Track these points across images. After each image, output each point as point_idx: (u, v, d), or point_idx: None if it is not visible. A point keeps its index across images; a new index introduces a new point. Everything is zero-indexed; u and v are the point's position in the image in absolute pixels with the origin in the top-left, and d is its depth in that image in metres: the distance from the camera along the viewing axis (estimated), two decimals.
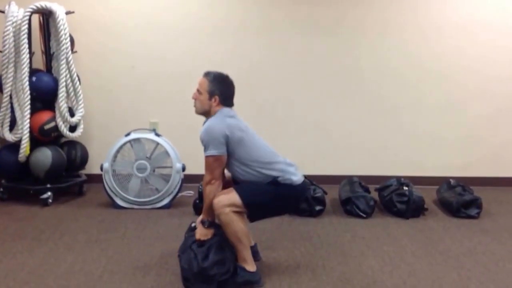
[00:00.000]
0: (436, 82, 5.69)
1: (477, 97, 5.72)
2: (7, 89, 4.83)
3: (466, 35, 5.62)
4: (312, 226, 4.41)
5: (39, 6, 4.80)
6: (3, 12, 4.85)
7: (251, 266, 3.20)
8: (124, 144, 4.89)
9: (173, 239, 4.02)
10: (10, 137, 4.92)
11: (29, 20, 4.80)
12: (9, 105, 4.90)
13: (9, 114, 4.92)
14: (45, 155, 4.86)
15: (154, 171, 4.91)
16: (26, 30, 4.76)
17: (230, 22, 5.63)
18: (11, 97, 4.88)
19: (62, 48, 4.91)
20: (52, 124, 4.94)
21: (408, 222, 4.54)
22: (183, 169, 4.88)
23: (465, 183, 5.10)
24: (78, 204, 5.04)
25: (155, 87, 5.68)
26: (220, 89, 3.25)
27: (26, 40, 4.76)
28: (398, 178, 4.99)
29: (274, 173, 3.21)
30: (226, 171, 3.37)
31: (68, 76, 4.97)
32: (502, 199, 5.33)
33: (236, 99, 3.35)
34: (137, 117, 5.62)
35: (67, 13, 5.05)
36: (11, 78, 4.82)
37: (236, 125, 3.21)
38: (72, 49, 5.07)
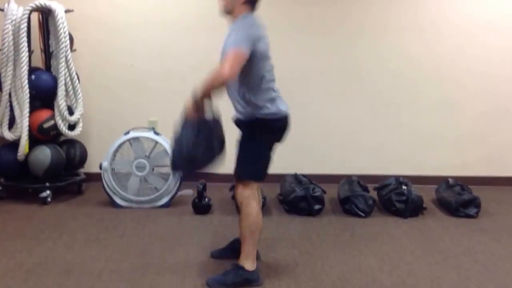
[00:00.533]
0: (435, 82, 5.69)
1: (476, 96, 5.72)
2: (6, 87, 4.82)
3: (465, 35, 5.62)
4: (311, 225, 4.41)
5: (38, 4, 4.79)
6: (2, 10, 4.84)
7: (251, 265, 3.21)
8: (123, 142, 4.88)
9: (172, 238, 4.03)
10: (9, 135, 4.92)
11: (29, 18, 4.79)
12: (8, 104, 4.89)
13: (8, 113, 4.91)
14: (44, 154, 4.85)
15: (153, 170, 4.90)
16: (26, 28, 4.75)
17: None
18: (10, 96, 4.87)
19: (61, 46, 4.90)
20: (51, 122, 4.94)
21: (407, 222, 4.54)
22: None
23: (464, 182, 5.10)
24: (77, 203, 5.04)
25: (154, 85, 5.67)
26: None
27: (25, 39, 4.76)
28: (397, 178, 4.99)
29: (267, 110, 3.18)
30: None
31: (67, 74, 4.97)
32: (501, 198, 5.33)
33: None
34: (137, 115, 5.62)
35: (67, 11, 5.04)
36: (10, 76, 4.81)
37: (263, 35, 3.18)
38: (71, 48, 5.07)
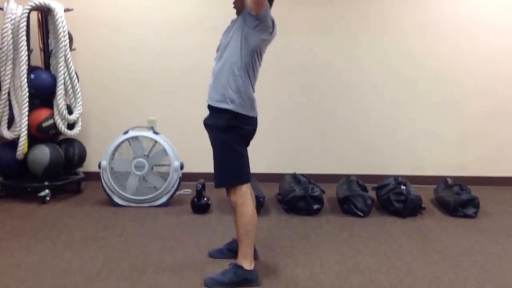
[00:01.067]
0: (434, 81, 5.69)
1: (475, 96, 5.72)
2: (5, 86, 4.82)
3: (466, 35, 5.62)
4: (309, 225, 4.42)
5: (37, 3, 4.79)
6: (1, 9, 4.84)
7: (249, 265, 3.20)
8: (122, 142, 4.89)
9: (171, 238, 4.03)
10: (8, 134, 4.92)
11: (28, 17, 4.79)
12: (7, 103, 4.89)
13: (7, 112, 4.92)
14: (43, 153, 4.85)
15: (152, 169, 4.91)
16: (25, 27, 4.76)
17: (230, 19, 5.60)
18: (9, 95, 4.87)
19: (61, 45, 4.90)
20: (50, 121, 4.94)
21: (405, 221, 4.55)
22: (181, 167, 4.88)
23: (462, 182, 5.10)
24: (76, 202, 5.04)
25: (153, 84, 5.68)
26: None
27: (24, 37, 4.76)
28: (395, 177, 4.98)
29: (240, 99, 3.15)
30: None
31: (66, 73, 4.97)
32: (500, 198, 5.34)
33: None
34: (136, 114, 5.62)
35: (66, 10, 5.04)
36: (9, 75, 4.81)
37: (271, 34, 3.27)
38: (70, 47, 5.07)
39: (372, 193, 4.92)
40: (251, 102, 3.21)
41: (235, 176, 3.18)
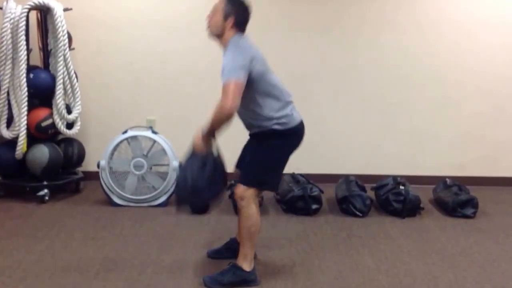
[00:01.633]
0: (433, 81, 5.69)
1: (474, 96, 5.72)
2: (4, 86, 4.82)
3: (464, 33, 5.62)
4: (308, 225, 4.42)
5: (37, 2, 4.78)
6: (0, 8, 4.84)
7: (248, 266, 3.20)
8: (121, 141, 4.88)
9: (169, 237, 4.03)
10: (7, 134, 4.92)
11: (27, 16, 4.78)
12: (6, 102, 4.89)
13: (6, 111, 4.92)
14: (42, 152, 4.85)
15: (151, 169, 4.90)
16: (24, 27, 4.75)
17: None
18: (8, 94, 4.87)
19: (60, 45, 4.90)
20: (49, 121, 4.94)
21: (404, 221, 4.55)
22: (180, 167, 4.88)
23: (461, 182, 5.10)
24: (74, 201, 5.04)
25: (152, 84, 5.67)
26: (237, 11, 3.17)
27: (23, 37, 4.75)
28: (394, 177, 4.99)
29: (279, 116, 3.18)
30: None
31: (65, 73, 4.96)
32: (498, 198, 5.34)
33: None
34: (135, 114, 5.62)
35: (65, 9, 5.04)
36: (8, 75, 4.81)
37: (258, 56, 3.14)
38: (69, 46, 5.07)
39: (371, 193, 4.92)
40: (285, 113, 3.23)
41: (265, 180, 3.20)
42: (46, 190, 4.90)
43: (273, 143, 3.20)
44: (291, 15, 5.60)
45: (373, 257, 3.72)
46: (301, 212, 4.66)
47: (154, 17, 5.57)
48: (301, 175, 5.03)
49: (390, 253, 3.80)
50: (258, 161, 3.20)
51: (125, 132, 4.90)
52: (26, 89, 4.76)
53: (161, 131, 5.03)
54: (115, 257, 3.64)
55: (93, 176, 5.16)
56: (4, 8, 4.78)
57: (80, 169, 5.45)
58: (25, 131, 4.81)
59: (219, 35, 3.20)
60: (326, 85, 5.73)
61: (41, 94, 4.95)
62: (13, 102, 4.87)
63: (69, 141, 5.26)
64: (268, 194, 4.99)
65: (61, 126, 4.99)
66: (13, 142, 4.87)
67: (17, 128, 4.84)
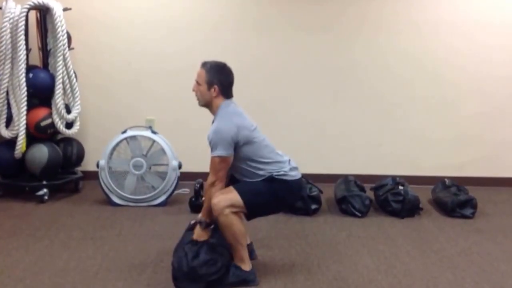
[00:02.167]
0: (432, 81, 5.70)
1: (473, 96, 5.73)
2: (3, 85, 4.82)
3: (462, 34, 5.63)
4: (307, 225, 4.42)
5: (36, 2, 4.78)
6: (0, 8, 4.84)
7: (247, 266, 3.21)
8: (120, 141, 4.89)
9: (169, 237, 4.02)
10: (6, 133, 4.91)
11: (26, 16, 4.78)
12: (6, 102, 4.89)
13: (6, 111, 4.92)
14: (41, 152, 4.85)
15: (150, 168, 4.91)
16: (23, 27, 4.76)
17: (227, 19, 5.63)
18: (7, 94, 4.87)
19: (59, 44, 4.90)
20: (49, 120, 4.94)
21: (403, 222, 4.55)
22: (179, 166, 4.88)
23: (460, 183, 5.11)
24: (74, 201, 5.04)
25: (152, 84, 5.68)
26: (219, 79, 3.22)
27: (23, 37, 4.75)
28: (393, 178, 5.00)
29: (271, 170, 3.21)
30: None
31: (64, 72, 4.97)
32: (497, 199, 5.35)
33: (233, 96, 3.35)
34: (134, 114, 5.62)
35: (64, 9, 5.04)
36: (7, 75, 4.81)
37: (243, 124, 3.18)
38: (69, 46, 5.07)
39: (370, 193, 4.92)
40: (282, 171, 3.24)
41: (255, 202, 3.18)
42: (45, 190, 4.89)
43: (274, 185, 3.21)
44: (291, 15, 5.61)
45: (372, 257, 3.72)
46: (301, 212, 4.65)
47: (153, 17, 5.57)
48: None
49: (389, 253, 3.81)
50: (258, 188, 3.20)
51: (125, 132, 4.90)
52: (25, 88, 4.76)
53: (161, 131, 5.03)
54: (114, 257, 3.64)
55: (93, 176, 5.16)
56: (3, 7, 4.78)
57: (79, 168, 5.45)
58: (24, 131, 4.81)
59: (207, 104, 3.28)
60: (325, 85, 5.73)
61: (40, 93, 4.95)
62: (12, 101, 4.87)
63: (68, 140, 5.26)
64: None
65: (60, 126, 4.99)
66: (12, 141, 4.87)
67: (16, 128, 4.84)
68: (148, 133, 4.91)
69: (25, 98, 4.78)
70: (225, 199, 3.07)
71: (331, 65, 5.69)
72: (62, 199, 5.05)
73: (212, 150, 3.11)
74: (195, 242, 3.15)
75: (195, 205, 4.68)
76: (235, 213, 3.10)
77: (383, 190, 4.86)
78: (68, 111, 5.08)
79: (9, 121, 4.94)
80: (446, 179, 5.16)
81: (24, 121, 4.81)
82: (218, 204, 3.04)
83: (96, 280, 3.27)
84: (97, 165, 4.85)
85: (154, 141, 4.90)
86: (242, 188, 3.17)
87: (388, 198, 4.73)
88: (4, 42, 4.73)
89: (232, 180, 3.35)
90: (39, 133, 4.94)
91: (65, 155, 5.13)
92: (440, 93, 5.73)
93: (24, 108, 4.79)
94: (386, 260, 3.66)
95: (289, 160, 3.35)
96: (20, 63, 4.75)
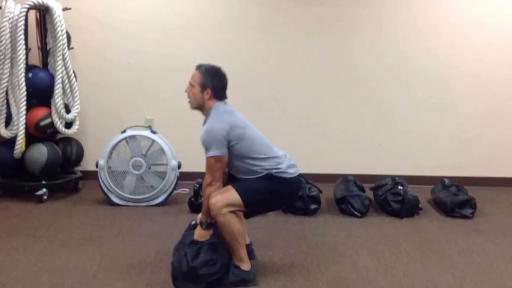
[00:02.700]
0: (431, 81, 5.70)
1: (472, 96, 5.72)
2: (3, 85, 4.81)
3: (461, 35, 5.62)
4: (307, 225, 4.42)
5: (36, 2, 4.78)
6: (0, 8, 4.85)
7: (246, 265, 3.22)
8: (120, 141, 4.89)
9: (168, 237, 4.02)
10: (5, 133, 4.91)
11: (26, 16, 4.78)
12: (5, 101, 4.89)
13: (5, 110, 4.91)
14: (41, 152, 4.85)
15: (149, 168, 4.90)
16: (23, 26, 4.75)
17: (227, 19, 5.63)
18: (7, 93, 4.87)
19: (59, 44, 4.90)
20: (48, 120, 4.94)
21: (402, 222, 4.55)
22: (179, 166, 4.88)
23: (459, 183, 5.11)
24: (73, 200, 5.03)
25: (151, 83, 5.67)
26: (212, 82, 3.23)
27: (22, 36, 4.75)
28: (393, 177, 4.99)
29: (268, 166, 3.21)
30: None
31: (64, 72, 4.96)
32: (497, 199, 5.34)
33: (232, 96, 3.35)
34: (133, 114, 5.61)
35: (64, 9, 5.04)
36: (7, 74, 4.80)
37: (235, 122, 3.20)
38: (68, 46, 5.07)
39: (369, 193, 4.92)
40: (275, 167, 3.24)
41: (255, 200, 3.18)
42: (44, 190, 4.89)
43: (272, 182, 3.22)
44: (290, 15, 5.60)
45: (371, 257, 3.72)
46: (300, 212, 4.66)
47: (153, 16, 5.57)
48: (299, 174, 5.02)
49: (388, 253, 3.81)
50: (256, 186, 3.20)
51: (124, 131, 4.90)
52: (24, 88, 4.76)
53: (160, 131, 5.03)
54: (114, 257, 3.64)
55: (92, 176, 5.16)
56: (3, 7, 4.78)
57: (78, 168, 5.45)
58: (23, 131, 4.80)
59: (200, 107, 3.29)
60: (325, 85, 5.72)
61: (40, 93, 4.94)
62: (11, 101, 4.87)
63: (68, 140, 5.26)
64: None
65: (60, 126, 4.99)
66: (12, 141, 4.86)
67: (15, 128, 4.84)
68: (147, 133, 4.91)
69: (25, 98, 4.77)
70: (223, 198, 3.07)
71: (331, 65, 5.68)
72: (61, 199, 5.04)
73: (206, 151, 3.13)
74: (196, 242, 3.15)
75: (195, 205, 4.68)
76: (233, 212, 3.10)
77: (382, 190, 4.86)
78: (68, 110, 5.07)
79: (8, 120, 4.93)
80: (445, 179, 5.15)
81: (24, 121, 4.80)
82: (216, 204, 3.05)
83: (95, 280, 3.27)
84: (97, 165, 4.85)
85: (153, 140, 4.90)
86: (240, 186, 3.17)
87: (387, 198, 4.73)
88: (3, 41, 4.73)
89: (231, 179, 3.35)
90: (39, 133, 4.94)
91: (65, 155, 5.13)
92: (440, 93, 5.72)
93: (23, 108, 4.78)
94: (385, 260, 3.67)
95: (286, 155, 3.35)
96: (19, 62, 4.75)
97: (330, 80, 5.71)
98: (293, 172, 3.29)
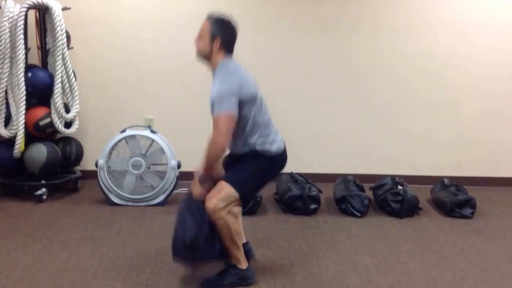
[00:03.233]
0: (430, 81, 5.69)
1: (471, 96, 5.72)
2: (2, 84, 4.81)
3: (460, 35, 5.61)
4: (306, 225, 4.42)
5: (35, 2, 4.77)
6: None
7: (243, 264, 3.22)
8: (119, 140, 4.88)
9: (168, 237, 3.97)
10: (5, 133, 4.91)
11: (25, 15, 4.77)
12: (4, 101, 4.88)
13: (4, 110, 4.91)
14: (40, 151, 4.84)
15: (149, 168, 4.90)
16: (22, 26, 4.74)
17: None
18: (6, 93, 4.86)
19: (58, 44, 4.89)
20: (47, 120, 4.93)
21: (402, 222, 4.55)
22: (178, 166, 4.88)
23: (459, 182, 5.11)
24: (72, 200, 5.03)
25: (151, 83, 5.67)
26: (222, 32, 3.19)
27: (22, 36, 4.74)
28: (392, 177, 4.99)
29: (259, 142, 3.16)
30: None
31: (63, 72, 4.96)
32: (496, 199, 5.34)
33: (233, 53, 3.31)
34: (133, 113, 5.61)
35: (64, 9, 5.03)
36: (6, 74, 4.80)
37: (248, 80, 3.14)
38: (68, 45, 5.06)
39: (369, 193, 4.92)
40: (269, 139, 3.21)
41: (244, 187, 3.13)
42: (44, 189, 4.89)
43: (259, 163, 3.17)
44: (290, 15, 5.59)
45: (371, 257, 3.73)
46: (300, 212, 4.66)
47: (153, 16, 5.56)
48: (299, 174, 5.03)
49: (388, 253, 3.81)
50: (246, 173, 3.16)
51: (123, 131, 4.90)
52: (24, 88, 4.75)
53: (160, 130, 5.03)
54: (113, 257, 3.64)
55: (91, 175, 5.16)
56: (2, 7, 4.77)
57: (78, 168, 5.45)
58: (23, 130, 4.80)
59: (207, 57, 3.20)
60: (324, 85, 5.72)
61: (39, 93, 4.94)
62: (11, 101, 4.87)
63: (67, 140, 5.26)
64: (267, 194, 5.00)
65: (59, 125, 4.98)
66: (11, 141, 4.86)
67: (15, 127, 4.83)
68: (147, 133, 4.91)
69: (24, 98, 4.77)
70: (220, 199, 3.03)
71: (331, 65, 5.68)
72: (61, 199, 5.04)
73: (216, 109, 2.99)
74: (197, 211, 3.11)
75: None
76: (230, 211, 3.09)
77: (382, 190, 4.86)
78: (67, 110, 5.07)
79: (8, 120, 4.93)
80: (445, 179, 5.16)
81: (23, 120, 4.80)
82: (214, 209, 3.01)
83: (94, 280, 3.27)
84: (96, 165, 4.85)
85: (153, 140, 4.89)
86: (230, 179, 3.11)
87: (387, 198, 4.72)
88: (3, 41, 4.72)
89: (225, 164, 3.32)
90: (38, 133, 4.94)
91: (64, 155, 5.13)
92: (440, 93, 5.72)
93: (23, 108, 4.78)
94: (385, 260, 3.67)
95: (277, 132, 3.32)
96: (19, 62, 4.74)
97: (330, 80, 5.71)
98: (276, 148, 3.21)
